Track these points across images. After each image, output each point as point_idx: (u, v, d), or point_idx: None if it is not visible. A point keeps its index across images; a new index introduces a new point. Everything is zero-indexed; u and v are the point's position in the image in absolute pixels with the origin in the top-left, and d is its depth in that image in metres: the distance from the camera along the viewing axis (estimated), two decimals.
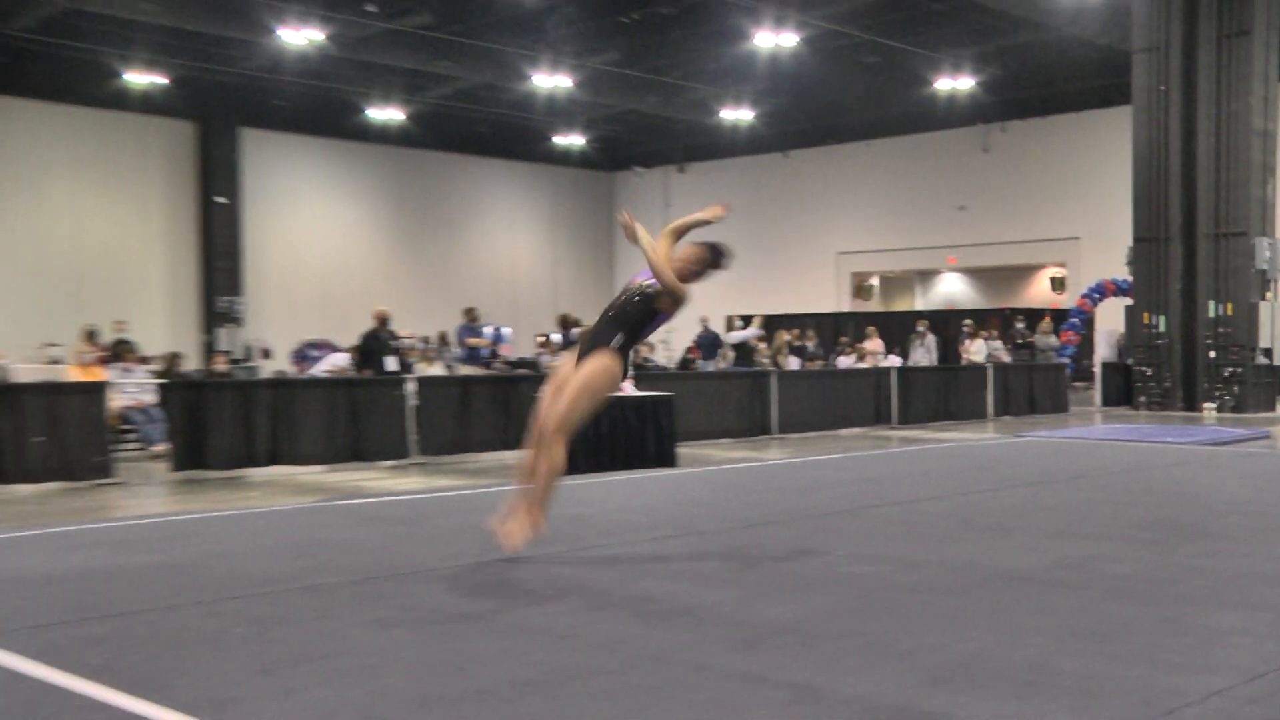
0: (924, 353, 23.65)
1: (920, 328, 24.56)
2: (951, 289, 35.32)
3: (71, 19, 21.94)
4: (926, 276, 35.52)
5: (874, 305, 33.99)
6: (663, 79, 27.16)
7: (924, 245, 31.56)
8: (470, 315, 18.92)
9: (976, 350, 23.35)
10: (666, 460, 12.22)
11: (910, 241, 31.77)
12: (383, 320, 15.65)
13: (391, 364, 15.24)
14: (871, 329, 24.34)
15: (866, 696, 3.76)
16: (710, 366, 20.25)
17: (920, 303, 35.28)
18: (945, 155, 30.99)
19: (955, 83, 26.93)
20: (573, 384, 6.23)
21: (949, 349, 25.70)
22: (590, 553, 6.53)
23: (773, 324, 23.66)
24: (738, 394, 16.96)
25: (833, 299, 33.14)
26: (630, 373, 14.26)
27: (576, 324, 15.21)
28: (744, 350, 21.23)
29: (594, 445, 11.91)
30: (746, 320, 22.90)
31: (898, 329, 27.43)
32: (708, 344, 21.75)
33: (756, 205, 34.00)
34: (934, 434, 17.24)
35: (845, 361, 22.49)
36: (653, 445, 12.24)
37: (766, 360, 20.95)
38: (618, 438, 12.08)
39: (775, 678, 3.98)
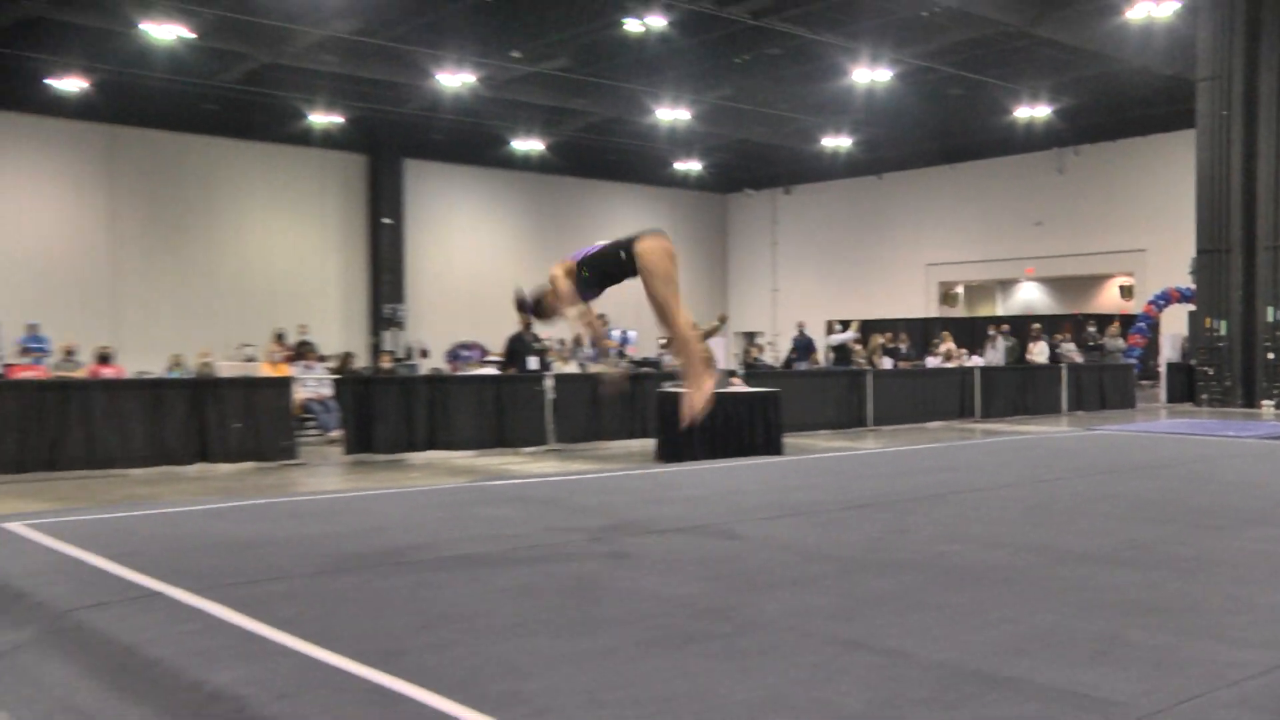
0: (995, 354, 23.19)
1: (991, 331, 24.09)
2: (1029, 296, 34.52)
3: (269, 71, 22.61)
4: (1006, 285, 34.76)
5: (959, 311, 33.36)
6: (770, 111, 26.99)
7: (1004, 257, 30.91)
8: (601, 320, 18.98)
9: (1039, 351, 22.76)
10: (774, 449, 12.17)
11: (992, 254, 31.13)
12: (526, 324, 15.74)
13: (533, 363, 15.34)
14: (946, 333, 23.91)
15: (953, 662, 3.70)
16: (802, 367, 20.01)
17: (1000, 309, 34.54)
18: (1023, 176, 30.31)
19: (1033, 111, 26.34)
20: (652, 282, 5.84)
21: (1026, 351, 25.15)
22: (705, 530, 6.51)
23: (868, 328, 23.38)
24: (837, 390, 16.81)
25: (922, 305, 32.62)
26: (740, 371, 14.21)
27: (695, 328, 15.18)
28: (842, 351, 21.02)
29: (709, 435, 11.89)
30: (845, 325, 22.67)
31: (981, 333, 26.91)
32: (802, 347, 21.57)
33: (853, 222, 33.64)
34: (1012, 427, 16.87)
35: (933, 361, 22.12)
36: (761, 435, 12.18)
37: (862, 360, 20.70)
38: (730, 429, 12.04)
39: (871, 644, 3.93)
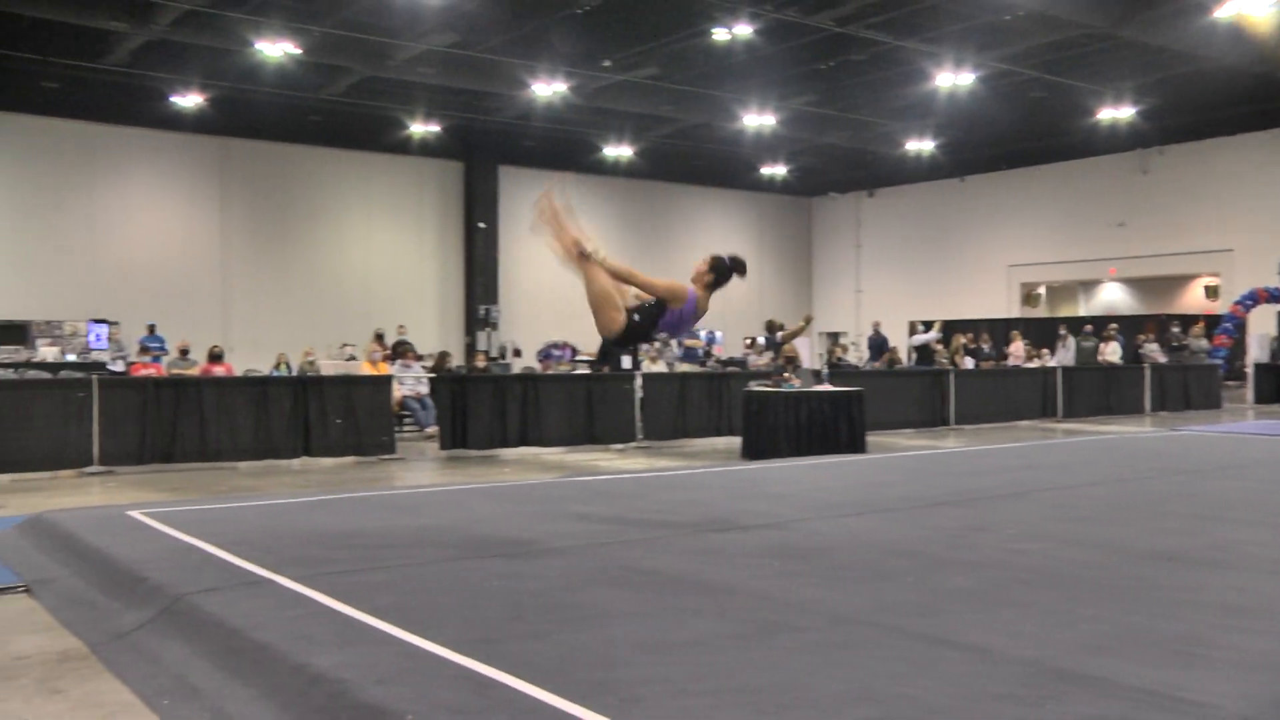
0: (1065, 354, 22.63)
1: (1061, 331, 23.59)
2: (1112, 297, 33.70)
3: (370, 83, 23.01)
4: (1089, 286, 33.98)
5: (1040, 311, 32.71)
6: (854, 116, 26.73)
7: (1086, 258, 30.21)
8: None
9: (1111, 351, 22.16)
10: (857, 447, 12.05)
11: (1073, 254, 30.46)
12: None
13: (626, 362, 15.35)
14: (1015, 333, 23.46)
15: (1037, 660, 3.62)
16: (873, 364, 19.65)
17: (1083, 309, 33.78)
18: (1106, 177, 29.60)
19: (1116, 112, 25.68)
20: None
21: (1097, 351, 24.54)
22: (790, 525, 6.46)
23: (950, 328, 23.03)
24: (920, 389, 16.60)
25: (1004, 306, 32.02)
26: (825, 372, 14.09)
27: (780, 327, 15.08)
28: (925, 351, 20.74)
29: (794, 433, 11.83)
30: (927, 325, 22.38)
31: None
32: (875, 346, 21.27)
33: (936, 224, 33.18)
34: (1095, 427, 16.49)
35: (1016, 360, 21.70)
36: (845, 433, 12.08)
37: (945, 360, 20.40)
38: (814, 426, 11.96)
39: (954, 640, 3.87)
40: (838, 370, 16.90)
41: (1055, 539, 5.90)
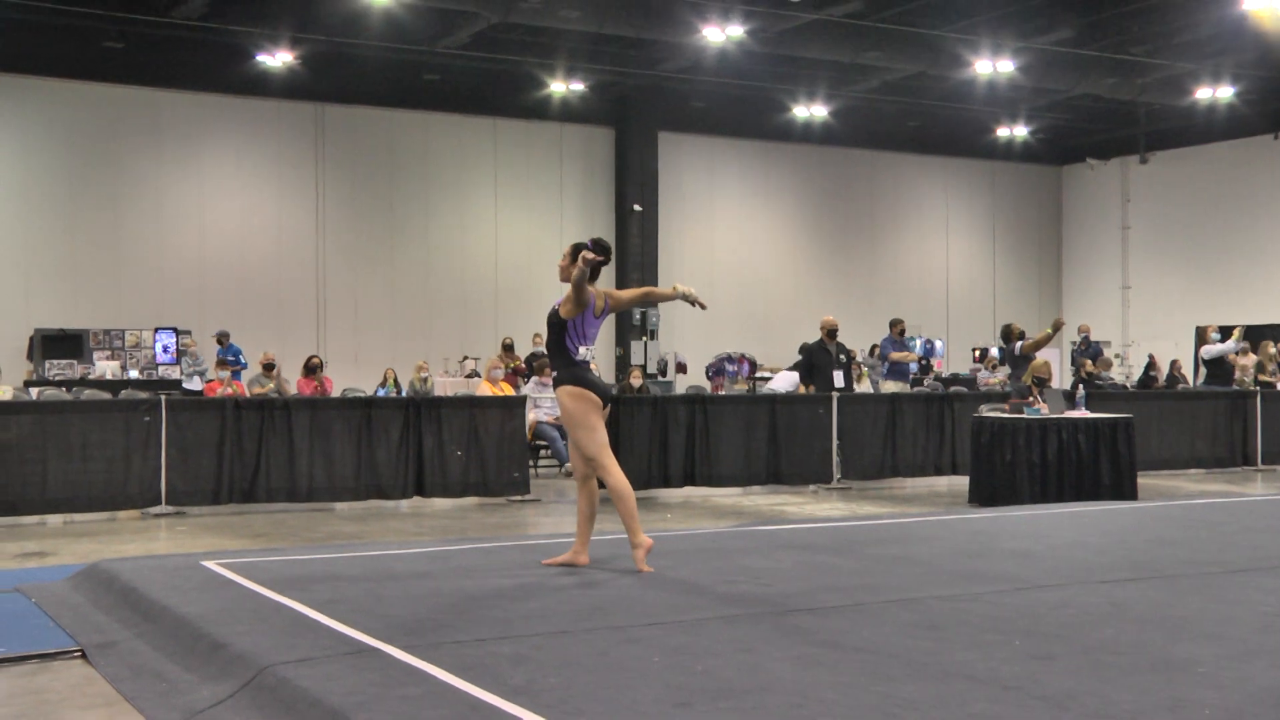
0: None
1: None
2: None
3: (499, 32, 23.42)
4: None
5: None
6: (1123, 56, 26.00)
7: None
8: (897, 328, 18.65)
9: None
10: (1125, 492, 11.75)
11: None
12: (831, 332, 15.48)
13: (839, 380, 15.18)
14: (1265, 343, 22.35)
15: None
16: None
17: None
18: None
19: None
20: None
21: None
22: (1037, 593, 6.32)
23: (1256, 336, 22.15)
24: (1212, 417, 16.05)
25: None
26: (1081, 394, 13.71)
27: (1021, 336, 14.73)
28: (1220, 366, 19.97)
29: (1039, 472, 11.59)
30: (1224, 332, 21.57)
31: None
32: (1086, 357, 20.47)
33: (1236, 198, 31.97)
34: None
35: None
36: (1108, 474, 11.77)
37: (1248, 379, 19.63)
38: (1066, 465, 11.69)
39: None
40: (1097, 391, 16.46)
41: None
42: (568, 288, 7.30)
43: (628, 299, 7.79)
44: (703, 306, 7.49)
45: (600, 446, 7.20)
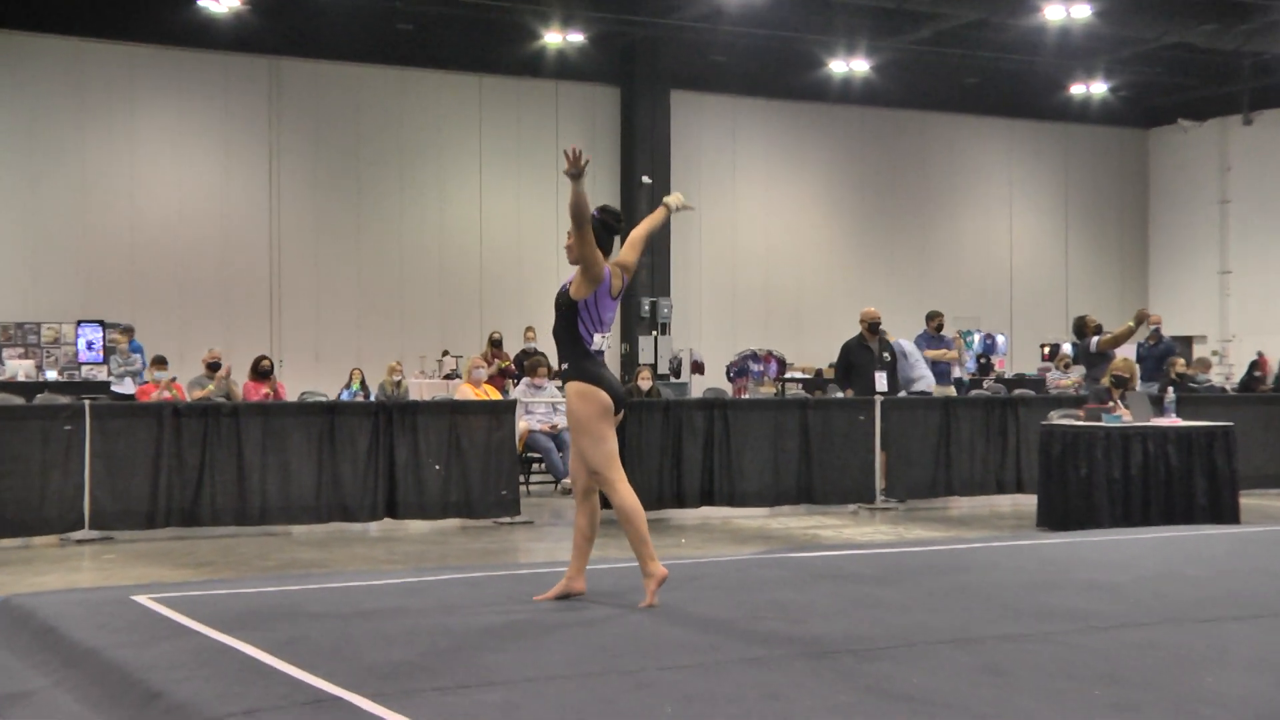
0: None
1: None
2: None
3: None
4: None
5: None
6: None
7: None
8: (934, 321, 18.43)
9: None
10: (1224, 514, 11.77)
11: None
12: (872, 325, 15.40)
13: (881, 382, 15.12)
14: None
15: None
16: (1152, 388, 18.53)
17: None
18: None
19: None
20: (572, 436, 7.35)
21: None
22: (1120, 632, 6.34)
23: None
24: None
25: None
26: (1171, 399, 13.68)
27: (1098, 330, 14.71)
28: None
29: (1121, 491, 11.58)
30: None
31: None
32: (1153, 357, 20.28)
33: None
34: None
35: None
36: (1204, 493, 11.79)
37: None
38: (1153, 481, 11.69)
39: None
40: (1190, 395, 16.44)
41: None
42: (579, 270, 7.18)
43: (635, 258, 7.73)
44: (690, 208, 7.82)
45: (608, 458, 7.13)
